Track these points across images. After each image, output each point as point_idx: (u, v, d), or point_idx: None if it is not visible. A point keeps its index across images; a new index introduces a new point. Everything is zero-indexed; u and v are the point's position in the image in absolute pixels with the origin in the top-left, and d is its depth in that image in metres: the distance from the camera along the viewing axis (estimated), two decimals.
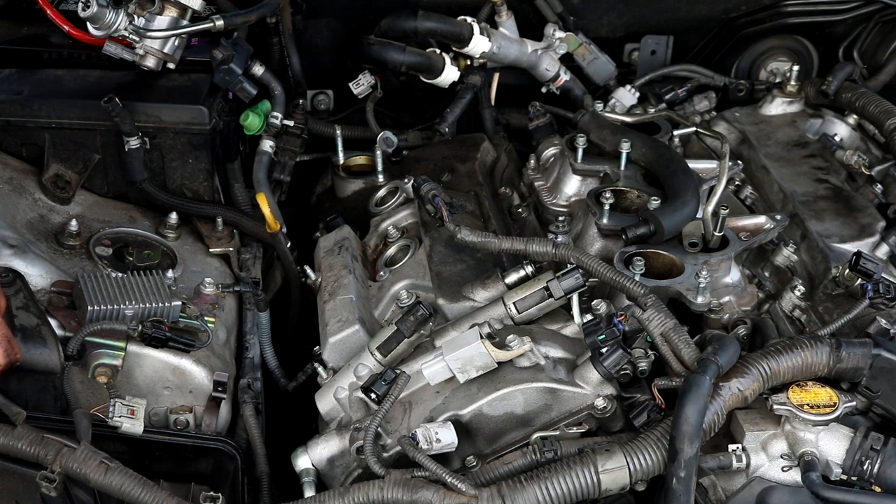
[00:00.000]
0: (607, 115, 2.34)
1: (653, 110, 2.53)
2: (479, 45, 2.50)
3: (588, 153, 2.19)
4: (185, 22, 2.18)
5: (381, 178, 2.41)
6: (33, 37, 2.34)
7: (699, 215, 1.96)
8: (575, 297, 1.81)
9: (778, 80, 2.61)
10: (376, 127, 2.59)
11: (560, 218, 2.15)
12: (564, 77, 2.65)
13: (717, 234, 1.94)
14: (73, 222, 2.00)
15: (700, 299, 1.86)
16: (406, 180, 2.26)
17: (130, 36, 2.13)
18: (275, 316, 2.14)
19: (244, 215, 2.24)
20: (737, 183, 2.29)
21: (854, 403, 1.56)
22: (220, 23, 2.14)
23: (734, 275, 1.96)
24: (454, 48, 2.53)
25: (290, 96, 2.48)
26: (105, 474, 1.51)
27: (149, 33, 2.15)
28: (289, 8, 2.56)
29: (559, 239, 2.09)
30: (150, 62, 2.21)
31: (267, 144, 2.31)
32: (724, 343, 1.58)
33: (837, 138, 2.37)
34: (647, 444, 1.53)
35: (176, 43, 2.21)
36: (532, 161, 2.32)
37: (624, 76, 2.78)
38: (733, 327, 1.91)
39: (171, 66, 2.23)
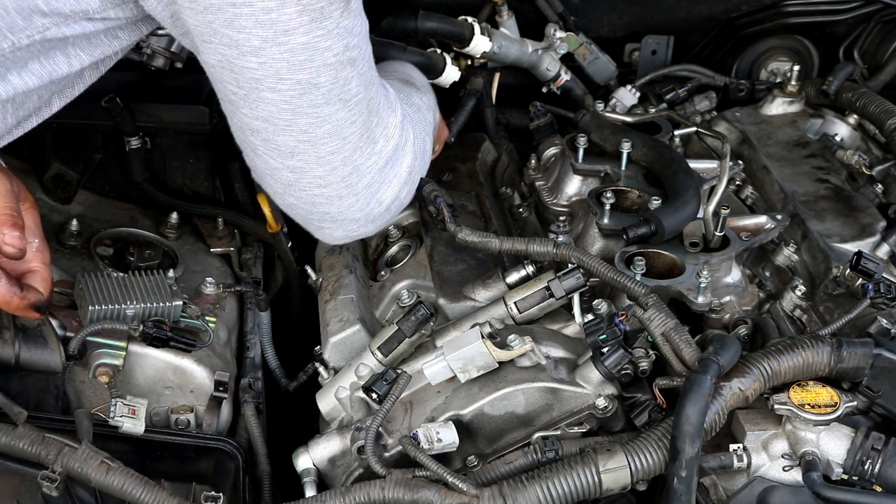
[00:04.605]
0: (608, 115, 2.33)
1: (653, 110, 2.52)
2: (480, 44, 2.49)
3: (589, 153, 2.18)
4: None
5: None
6: None
7: (700, 215, 1.96)
8: (576, 297, 1.81)
9: (778, 80, 2.60)
10: None
11: (561, 218, 2.15)
12: (565, 77, 2.65)
13: (717, 233, 1.94)
14: (74, 222, 2.00)
15: (701, 299, 1.86)
16: None
17: None
18: (275, 316, 2.14)
19: (245, 215, 2.24)
20: (737, 183, 2.28)
21: (855, 403, 1.56)
22: None
23: (735, 275, 1.96)
24: (455, 48, 2.52)
25: None
26: (106, 474, 1.51)
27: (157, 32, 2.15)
28: None
29: (560, 239, 2.09)
30: (159, 62, 2.20)
31: None
32: (724, 343, 1.57)
33: (838, 138, 2.36)
34: (649, 444, 1.53)
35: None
36: (533, 161, 2.32)
37: (624, 76, 2.77)
38: (734, 327, 1.91)
39: (179, 65, 2.22)
